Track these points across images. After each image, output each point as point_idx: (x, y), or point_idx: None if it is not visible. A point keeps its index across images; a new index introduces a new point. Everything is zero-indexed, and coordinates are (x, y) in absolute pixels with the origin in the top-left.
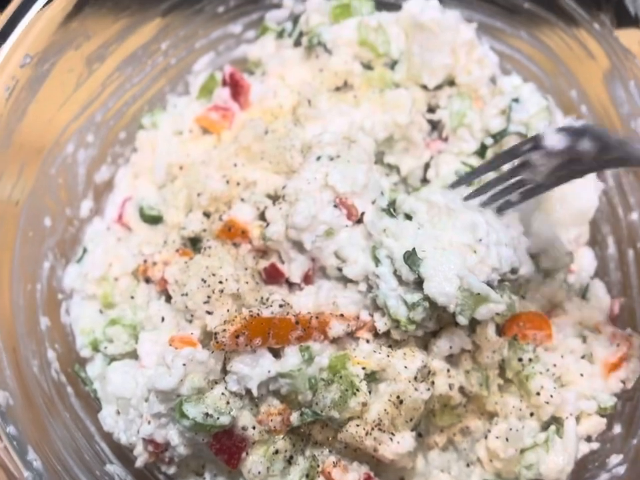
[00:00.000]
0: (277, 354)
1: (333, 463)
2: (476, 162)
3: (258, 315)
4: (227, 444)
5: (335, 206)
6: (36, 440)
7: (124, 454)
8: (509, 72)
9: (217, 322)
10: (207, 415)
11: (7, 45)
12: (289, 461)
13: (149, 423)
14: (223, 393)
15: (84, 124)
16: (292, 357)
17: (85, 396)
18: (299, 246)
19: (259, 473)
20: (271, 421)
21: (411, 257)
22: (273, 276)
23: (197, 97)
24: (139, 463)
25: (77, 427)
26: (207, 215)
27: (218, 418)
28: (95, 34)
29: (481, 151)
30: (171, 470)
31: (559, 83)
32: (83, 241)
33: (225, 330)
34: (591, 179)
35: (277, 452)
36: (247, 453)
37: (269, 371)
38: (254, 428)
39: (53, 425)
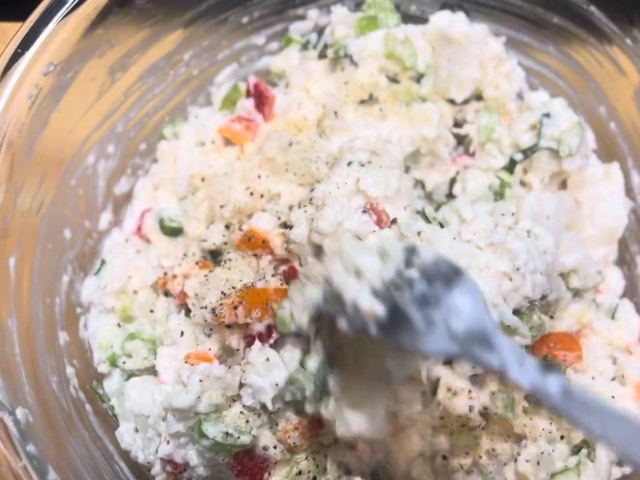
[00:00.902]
0: None
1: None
2: (505, 177)
3: (252, 285)
4: (248, 465)
5: (364, 211)
6: (56, 459)
7: (143, 474)
8: (535, 87)
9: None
10: (227, 434)
11: (31, 52)
12: None
13: (168, 442)
14: (241, 412)
15: (105, 134)
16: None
17: (103, 414)
18: (318, 250)
19: None
20: (289, 437)
21: None
22: (292, 277)
23: (219, 108)
24: None
25: (96, 445)
26: (228, 227)
27: (238, 437)
28: (118, 43)
29: (510, 166)
30: None
31: (587, 99)
32: (101, 254)
33: (222, 304)
34: (619, 196)
35: (300, 473)
36: (269, 474)
37: (277, 384)
38: (275, 448)
39: (72, 444)
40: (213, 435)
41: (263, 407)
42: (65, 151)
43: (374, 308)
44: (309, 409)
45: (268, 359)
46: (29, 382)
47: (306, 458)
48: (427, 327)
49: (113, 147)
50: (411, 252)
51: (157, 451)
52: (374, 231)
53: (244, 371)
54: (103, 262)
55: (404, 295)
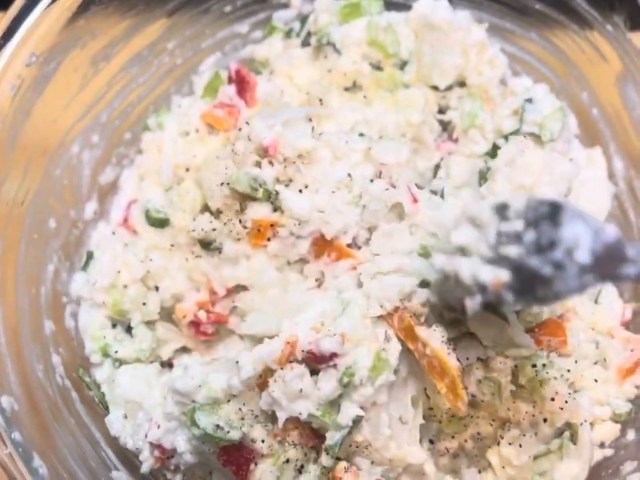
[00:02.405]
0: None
1: (345, 468)
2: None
3: None
4: (235, 455)
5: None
6: (41, 446)
7: (130, 460)
8: (518, 73)
9: None
10: (217, 427)
11: (13, 44)
12: (300, 470)
13: (158, 427)
14: (240, 409)
15: (89, 124)
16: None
17: (89, 401)
18: None
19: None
20: (288, 435)
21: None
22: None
23: (201, 96)
24: (144, 468)
25: (83, 433)
26: (219, 212)
27: (228, 432)
28: (100, 33)
29: (492, 152)
30: (177, 478)
31: (569, 86)
32: (87, 244)
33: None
34: (602, 181)
35: (287, 461)
36: (256, 464)
37: (300, 413)
38: (263, 442)
39: (58, 431)
40: (204, 425)
41: (273, 413)
42: (49, 141)
43: (497, 275)
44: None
45: (301, 390)
46: (14, 370)
47: (294, 447)
48: (556, 270)
49: (97, 136)
50: (501, 208)
51: (146, 436)
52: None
53: (275, 381)
54: (90, 255)
55: (518, 250)
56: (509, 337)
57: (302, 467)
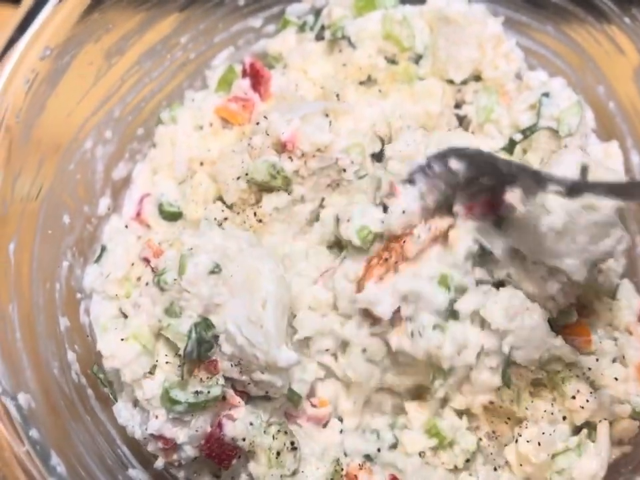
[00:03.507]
0: None
1: (359, 465)
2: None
3: None
4: (216, 451)
5: None
6: (58, 444)
7: (145, 458)
8: (534, 67)
9: None
10: (197, 392)
11: (27, 37)
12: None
13: (157, 417)
14: (201, 379)
15: (102, 119)
16: None
17: (104, 399)
18: None
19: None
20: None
21: None
22: None
23: (215, 90)
24: (158, 463)
25: (99, 430)
26: (230, 207)
27: (209, 392)
28: (114, 27)
29: (509, 147)
30: (181, 473)
31: (586, 79)
32: (100, 239)
33: None
34: (619, 175)
35: (278, 454)
36: (239, 457)
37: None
38: (244, 440)
39: (74, 429)
40: (185, 398)
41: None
42: (62, 136)
43: None
44: None
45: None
46: (30, 367)
47: (278, 431)
48: None
49: (111, 131)
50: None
51: (146, 428)
52: None
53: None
54: (104, 248)
55: None
56: (547, 246)
57: (292, 444)
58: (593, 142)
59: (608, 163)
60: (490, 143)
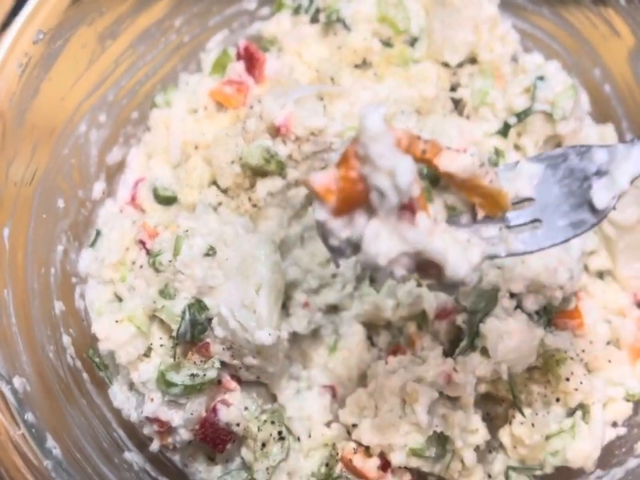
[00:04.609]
0: None
1: (354, 449)
2: (498, 142)
3: None
4: (211, 436)
5: None
6: (54, 427)
7: (141, 441)
8: (530, 50)
9: None
10: (193, 375)
11: (20, 21)
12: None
13: (152, 400)
14: (195, 362)
15: (96, 103)
16: None
17: (100, 382)
18: None
19: (267, 469)
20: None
21: None
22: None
23: (209, 73)
24: (154, 446)
25: (94, 413)
26: (224, 190)
27: (204, 374)
28: (108, 10)
29: (504, 130)
30: (176, 457)
31: (581, 62)
32: (95, 223)
33: None
34: None
35: (264, 445)
36: (234, 441)
37: None
38: (238, 425)
39: (70, 412)
40: (181, 380)
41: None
42: (56, 120)
43: None
44: None
45: None
46: (25, 351)
47: (264, 422)
48: None
49: (105, 115)
50: None
51: (142, 411)
52: None
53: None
54: (99, 233)
55: None
56: None
57: (279, 434)
58: (588, 125)
59: None
60: (485, 126)
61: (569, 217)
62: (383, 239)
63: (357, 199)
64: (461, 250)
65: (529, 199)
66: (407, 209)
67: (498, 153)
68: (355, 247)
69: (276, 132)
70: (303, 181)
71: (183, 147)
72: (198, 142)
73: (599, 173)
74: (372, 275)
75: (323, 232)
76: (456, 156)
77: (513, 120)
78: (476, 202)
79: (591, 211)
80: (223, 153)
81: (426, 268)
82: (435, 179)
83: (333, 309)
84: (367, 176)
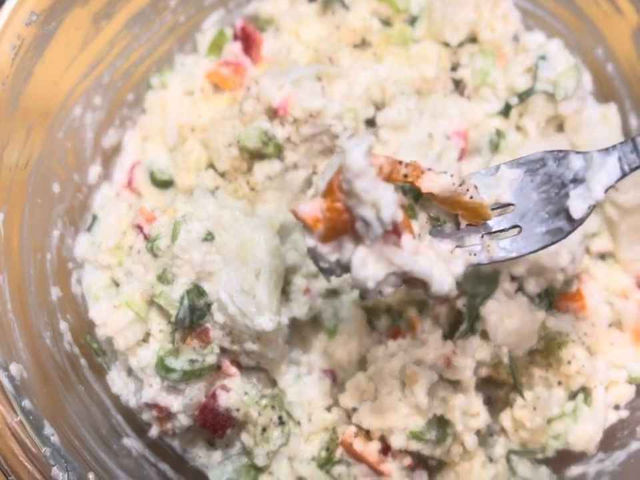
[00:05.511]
0: None
1: (354, 433)
2: (500, 122)
3: None
4: (210, 422)
5: None
6: (52, 414)
7: (140, 427)
8: (531, 29)
9: None
10: (192, 361)
11: (12, 2)
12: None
13: (151, 386)
14: (194, 347)
15: (91, 85)
16: None
17: (98, 368)
18: None
19: (267, 454)
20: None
21: None
22: None
23: (206, 54)
24: (152, 432)
25: (92, 400)
26: (221, 174)
27: (204, 360)
28: None
29: (505, 111)
30: (176, 442)
31: (584, 41)
32: (91, 208)
33: None
34: (617, 139)
35: (264, 430)
36: (233, 426)
37: None
38: (238, 410)
39: (67, 399)
40: (180, 366)
41: None
42: (50, 103)
43: None
44: None
45: None
46: (22, 338)
47: (265, 406)
48: None
49: (100, 98)
50: None
51: (141, 397)
52: None
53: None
54: (95, 217)
55: None
56: None
57: (280, 419)
58: (590, 105)
59: (605, 125)
60: (486, 107)
61: (547, 224)
62: (370, 265)
63: (343, 227)
64: (444, 268)
65: (510, 204)
66: (392, 232)
67: (499, 134)
68: (344, 267)
69: (274, 114)
70: (291, 210)
71: (179, 129)
72: (194, 124)
73: (576, 181)
74: (361, 293)
75: (314, 256)
76: (436, 177)
77: (514, 100)
78: (458, 213)
79: (568, 219)
80: (220, 136)
81: (412, 282)
82: (419, 194)
83: (332, 293)
84: (352, 208)
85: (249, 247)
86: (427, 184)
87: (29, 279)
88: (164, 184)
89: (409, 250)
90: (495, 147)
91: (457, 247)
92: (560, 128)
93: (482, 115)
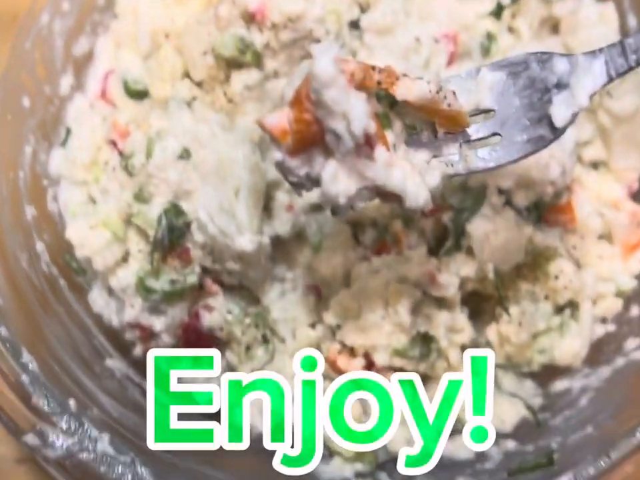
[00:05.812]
0: None
1: (338, 350)
2: (491, 24)
3: None
4: (194, 341)
5: None
6: (30, 340)
7: (123, 346)
8: None
9: None
10: (172, 281)
11: None
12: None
13: (132, 306)
14: (175, 267)
15: None
16: None
17: (78, 288)
18: None
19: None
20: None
21: None
22: None
23: None
24: (137, 351)
25: (73, 321)
26: (198, 83)
27: (185, 279)
28: None
29: (497, 11)
30: None
31: None
32: (65, 121)
33: None
34: (614, 40)
35: (248, 348)
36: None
37: None
38: (221, 330)
39: (47, 322)
40: (160, 286)
41: None
42: (14, 10)
43: None
44: None
45: None
46: None
47: (248, 325)
48: None
49: (68, 3)
50: None
51: (123, 316)
52: None
53: None
54: (69, 131)
55: None
56: None
57: (264, 338)
58: (587, 4)
59: (602, 26)
60: (477, 7)
61: (528, 132)
62: (341, 179)
63: (312, 139)
64: (419, 180)
65: (490, 110)
66: (365, 144)
67: (490, 36)
68: (314, 181)
69: (251, 19)
70: (257, 122)
71: (152, 35)
72: (168, 30)
73: (559, 86)
74: (333, 209)
75: (282, 170)
76: (412, 84)
77: (506, 0)
78: (436, 121)
79: (550, 127)
80: (195, 43)
81: (387, 196)
82: (394, 101)
83: (316, 208)
84: (321, 119)
85: (227, 164)
86: (402, 91)
87: (2, 200)
88: (138, 94)
89: (382, 163)
90: (486, 51)
91: (433, 156)
92: (554, 30)
93: (472, 16)
